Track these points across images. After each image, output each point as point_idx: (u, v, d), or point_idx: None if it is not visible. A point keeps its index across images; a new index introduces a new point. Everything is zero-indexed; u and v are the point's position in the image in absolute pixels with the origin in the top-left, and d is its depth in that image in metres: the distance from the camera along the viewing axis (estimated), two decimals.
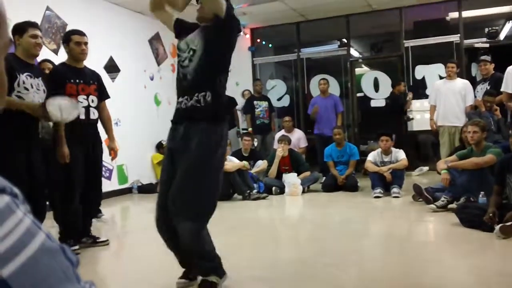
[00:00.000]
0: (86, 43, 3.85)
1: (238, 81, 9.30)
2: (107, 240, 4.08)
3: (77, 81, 3.79)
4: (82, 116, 3.76)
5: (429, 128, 7.04)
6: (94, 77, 3.98)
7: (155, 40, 8.33)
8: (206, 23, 2.66)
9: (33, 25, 3.60)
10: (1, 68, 0.54)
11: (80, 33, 3.85)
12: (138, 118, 7.60)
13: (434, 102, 6.71)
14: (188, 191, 2.50)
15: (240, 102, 8.68)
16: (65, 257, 0.50)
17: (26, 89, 3.48)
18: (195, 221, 2.56)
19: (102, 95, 4.04)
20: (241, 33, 9.13)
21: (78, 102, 3.72)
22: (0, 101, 0.56)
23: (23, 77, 3.48)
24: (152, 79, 8.22)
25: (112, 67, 7.18)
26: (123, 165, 7.31)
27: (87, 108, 3.84)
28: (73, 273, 0.49)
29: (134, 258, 3.77)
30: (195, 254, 2.64)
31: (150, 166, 7.97)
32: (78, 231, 3.90)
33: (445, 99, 6.59)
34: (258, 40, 9.72)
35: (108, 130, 4.12)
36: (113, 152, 4.15)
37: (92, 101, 3.88)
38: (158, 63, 8.41)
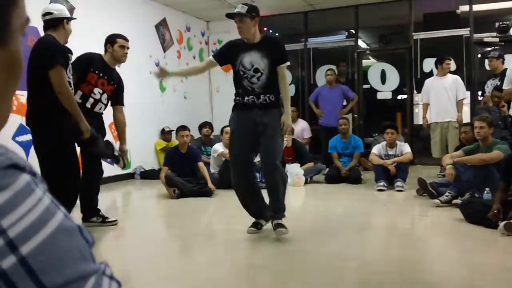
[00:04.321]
0: (128, 48, 4.18)
1: None
2: (116, 220, 4.20)
3: (101, 74, 4.02)
4: (88, 105, 3.99)
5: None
6: (117, 80, 4.22)
7: (161, 26, 8.27)
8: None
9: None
10: (18, 47, 0.54)
11: (126, 39, 4.20)
12: (142, 104, 7.58)
13: (426, 100, 6.90)
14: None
15: None
16: (82, 237, 0.50)
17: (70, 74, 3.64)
18: None
19: (118, 99, 4.27)
20: None
21: (92, 93, 3.98)
22: (15, 82, 0.55)
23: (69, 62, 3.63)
24: (157, 65, 8.16)
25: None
26: (127, 150, 7.29)
27: (96, 101, 4.04)
28: (89, 253, 0.50)
29: (134, 243, 3.77)
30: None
31: (153, 152, 7.96)
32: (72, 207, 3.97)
33: (437, 96, 6.71)
34: (265, 29, 9.63)
35: (122, 133, 4.36)
36: (123, 153, 4.27)
37: (105, 98, 4.11)
38: (164, 49, 8.36)
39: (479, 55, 7.99)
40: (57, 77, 3.42)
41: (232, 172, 3.70)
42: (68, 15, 3.81)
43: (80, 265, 0.48)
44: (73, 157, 3.66)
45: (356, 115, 8.40)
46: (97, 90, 4.00)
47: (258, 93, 3.57)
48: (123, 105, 4.34)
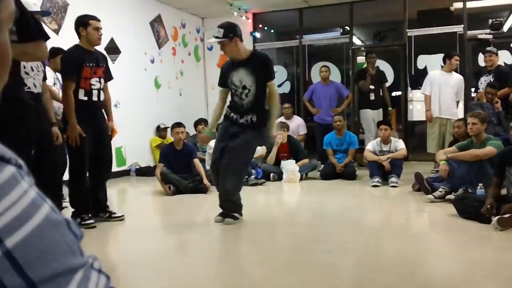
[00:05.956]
0: (101, 28, 4.02)
1: None
2: (123, 215, 4.25)
3: (91, 64, 3.96)
4: (95, 98, 3.99)
5: None
6: (103, 59, 4.16)
7: (156, 23, 8.25)
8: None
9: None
10: (5, 38, 0.53)
11: (97, 19, 4.01)
12: (137, 101, 7.57)
13: (429, 93, 6.77)
14: None
15: None
16: (70, 230, 0.49)
17: (27, 73, 3.48)
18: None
19: (108, 76, 4.21)
20: (243, 17, 9.05)
21: (92, 85, 3.95)
22: (2, 73, 0.54)
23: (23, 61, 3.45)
24: (152, 62, 8.16)
25: (112, 49, 7.13)
26: (122, 147, 7.29)
27: (99, 90, 4.03)
28: (77, 246, 0.49)
29: (129, 239, 3.78)
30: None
31: (148, 149, 7.95)
32: (89, 205, 4.06)
33: (441, 91, 6.68)
34: (260, 26, 9.64)
35: (108, 111, 4.28)
36: (112, 131, 4.33)
37: (101, 83, 4.06)
38: (159, 46, 8.34)
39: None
40: None
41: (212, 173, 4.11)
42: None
43: (67, 259, 0.47)
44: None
45: (390, 108, 7.91)
46: (94, 80, 3.99)
47: (244, 111, 3.80)
48: (112, 78, 4.33)
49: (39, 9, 3.69)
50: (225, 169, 3.80)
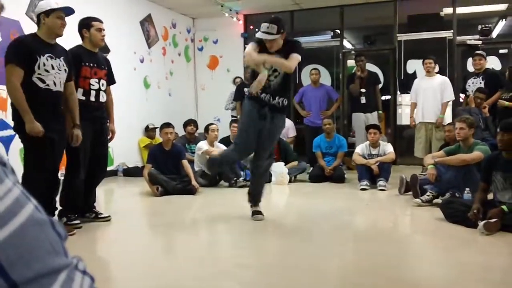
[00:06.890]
0: (104, 30, 4.09)
1: (229, 67, 9.23)
2: (109, 216, 4.22)
3: (91, 64, 3.99)
4: (92, 99, 4.00)
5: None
6: (105, 62, 4.20)
7: (146, 22, 8.21)
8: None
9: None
10: None
11: (100, 20, 4.09)
12: (126, 101, 7.51)
13: (414, 100, 6.94)
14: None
15: (231, 89, 8.63)
16: (54, 230, 0.48)
17: (47, 71, 3.50)
18: None
19: (110, 80, 4.25)
20: (234, 19, 9.04)
21: (91, 85, 3.97)
22: None
23: (43, 59, 3.48)
24: (142, 61, 8.12)
25: (102, 48, 7.06)
26: (110, 148, 7.22)
27: (97, 91, 4.04)
28: (61, 247, 0.48)
29: (116, 240, 3.74)
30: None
31: (136, 149, 7.90)
32: (78, 206, 4.04)
33: (424, 96, 6.75)
34: (251, 27, 9.63)
35: (110, 113, 4.31)
36: (112, 133, 4.34)
37: (103, 84, 4.08)
38: (149, 46, 8.30)
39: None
40: (6, 74, 3.41)
41: (236, 155, 4.18)
42: (46, 8, 3.57)
43: (51, 259, 0.46)
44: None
45: (380, 111, 7.77)
46: (93, 81, 3.99)
47: (273, 92, 3.83)
48: (115, 83, 4.36)
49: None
50: (264, 149, 4.01)
